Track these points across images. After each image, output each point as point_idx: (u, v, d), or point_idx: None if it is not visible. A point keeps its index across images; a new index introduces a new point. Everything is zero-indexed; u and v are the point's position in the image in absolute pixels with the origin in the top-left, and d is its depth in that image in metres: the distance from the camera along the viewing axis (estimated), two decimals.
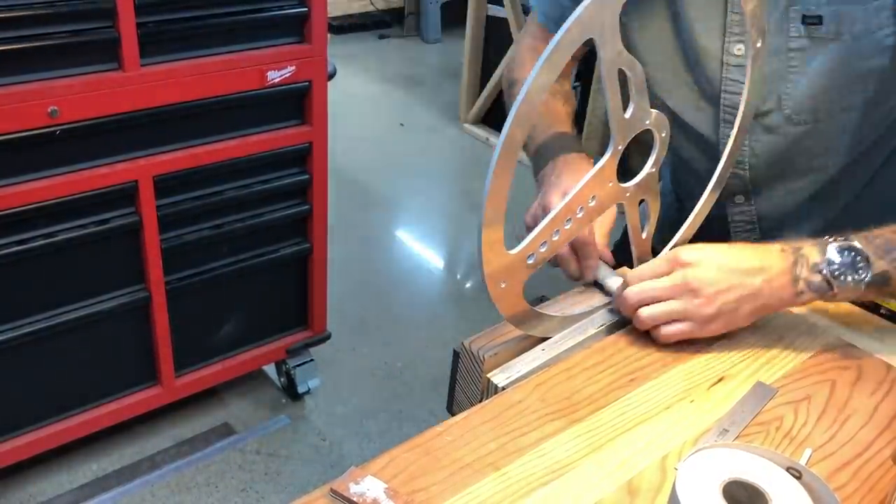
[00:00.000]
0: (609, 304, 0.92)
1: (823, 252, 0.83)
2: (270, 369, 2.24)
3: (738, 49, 0.96)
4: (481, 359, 0.82)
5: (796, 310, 0.95)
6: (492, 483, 0.69)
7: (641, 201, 0.89)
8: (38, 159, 1.51)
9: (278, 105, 1.78)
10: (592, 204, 0.81)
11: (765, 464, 0.64)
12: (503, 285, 0.77)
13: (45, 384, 1.73)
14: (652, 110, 0.82)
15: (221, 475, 1.95)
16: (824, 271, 0.82)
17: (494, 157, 0.69)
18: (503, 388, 0.81)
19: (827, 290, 0.83)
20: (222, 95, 1.67)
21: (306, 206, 1.92)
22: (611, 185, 0.82)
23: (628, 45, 1.01)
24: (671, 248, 0.97)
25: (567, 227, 0.80)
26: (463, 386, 0.84)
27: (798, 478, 0.63)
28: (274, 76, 1.71)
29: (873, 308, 0.96)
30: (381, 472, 0.69)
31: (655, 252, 0.95)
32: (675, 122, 1.01)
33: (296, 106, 1.80)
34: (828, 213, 1.07)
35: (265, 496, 1.91)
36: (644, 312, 0.85)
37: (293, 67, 1.73)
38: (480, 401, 0.81)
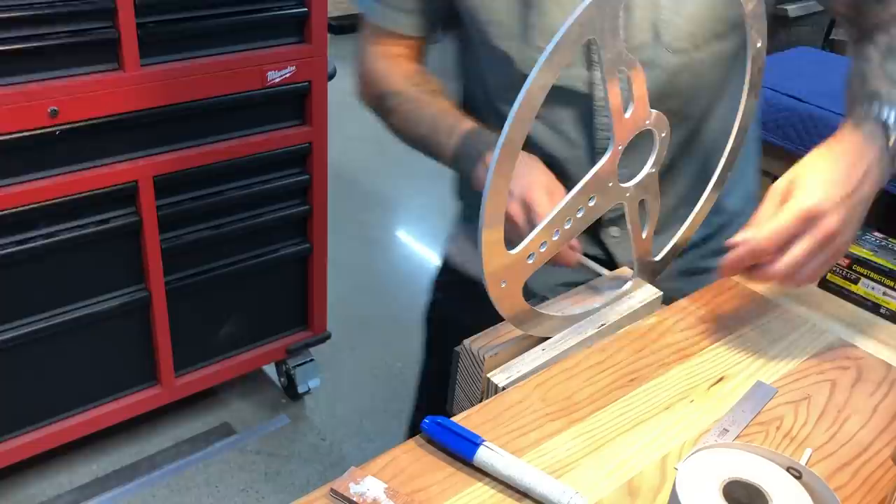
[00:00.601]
0: (609, 303, 0.92)
1: (887, 132, 0.81)
2: (270, 369, 2.24)
3: None
4: (481, 359, 0.82)
5: (796, 310, 0.95)
6: (492, 483, 0.69)
7: (641, 201, 0.89)
8: (38, 159, 1.51)
9: (278, 105, 1.78)
10: (592, 204, 0.81)
11: (765, 464, 0.64)
12: (503, 285, 0.77)
13: (45, 384, 1.73)
14: (652, 110, 0.82)
15: (221, 475, 1.95)
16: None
17: (494, 157, 0.69)
18: (503, 388, 0.81)
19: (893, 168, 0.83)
20: (222, 95, 1.67)
21: (306, 206, 1.92)
22: (610, 185, 0.82)
23: None
24: (671, 247, 0.97)
25: (567, 226, 0.80)
26: (463, 386, 0.84)
27: (798, 478, 0.63)
28: (274, 76, 1.71)
29: (873, 308, 0.96)
30: (381, 472, 0.69)
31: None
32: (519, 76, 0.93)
33: (296, 106, 1.81)
34: (694, 167, 1.05)
35: (265, 496, 1.91)
36: (782, 264, 0.79)
37: (293, 67, 1.73)
38: (480, 401, 0.81)
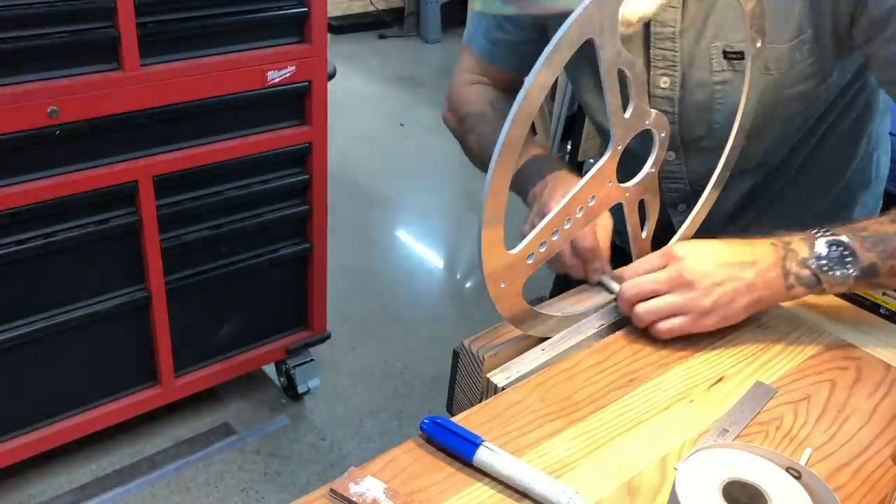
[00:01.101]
0: (609, 303, 0.92)
1: (812, 246, 0.84)
2: (270, 369, 2.24)
3: (664, 82, 0.98)
4: (481, 359, 0.82)
5: (796, 310, 0.95)
6: (492, 483, 0.69)
7: (641, 201, 0.89)
8: (38, 159, 1.51)
9: (278, 105, 1.78)
10: (592, 204, 0.81)
11: (765, 464, 0.64)
12: (503, 285, 0.77)
13: (45, 384, 1.73)
14: (651, 110, 0.82)
15: (221, 475, 1.95)
16: (813, 266, 0.83)
17: (494, 156, 0.69)
18: (503, 388, 0.81)
19: (816, 284, 0.84)
20: (222, 95, 1.67)
21: (306, 206, 1.92)
22: (610, 184, 0.82)
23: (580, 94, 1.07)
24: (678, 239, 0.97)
25: (567, 227, 0.80)
26: (463, 386, 0.84)
27: (798, 478, 0.63)
28: (274, 76, 1.71)
29: (873, 308, 0.96)
30: (381, 472, 0.69)
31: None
32: None
33: (296, 106, 1.80)
34: (763, 195, 1.10)
35: (265, 496, 1.91)
36: (641, 308, 0.85)
37: (293, 67, 1.73)
38: (480, 401, 0.81)
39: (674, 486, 0.62)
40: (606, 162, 0.80)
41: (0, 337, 1.60)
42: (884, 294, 0.96)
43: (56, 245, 1.59)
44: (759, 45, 0.87)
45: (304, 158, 1.86)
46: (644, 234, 0.93)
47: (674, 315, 0.84)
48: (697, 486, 0.61)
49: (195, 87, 1.63)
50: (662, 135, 0.85)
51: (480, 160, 1.11)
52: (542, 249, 0.79)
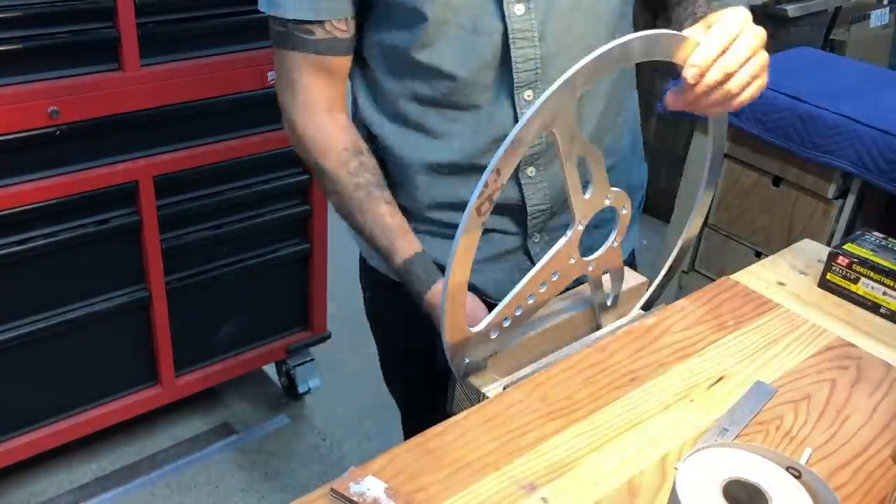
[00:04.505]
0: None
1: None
2: (270, 369, 2.24)
3: (518, 9, 0.88)
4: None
5: (796, 310, 0.95)
6: (492, 483, 0.69)
7: (606, 271, 0.89)
8: (38, 159, 1.51)
9: (278, 105, 1.78)
10: (555, 279, 0.82)
11: (765, 463, 0.64)
12: (467, 361, 0.79)
13: (45, 384, 1.73)
14: (613, 189, 0.83)
15: (221, 475, 1.95)
16: None
17: (460, 228, 0.70)
18: (503, 389, 0.81)
19: None
20: (222, 95, 1.67)
21: (306, 207, 1.92)
22: (573, 260, 0.82)
23: None
24: (684, 240, 0.97)
25: (530, 301, 0.81)
26: (463, 386, 0.84)
27: (798, 477, 0.63)
28: (274, 76, 1.71)
29: (873, 308, 0.96)
30: (381, 472, 0.69)
31: None
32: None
33: None
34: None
35: (265, 496, 1.91)
36: (735, 85, 0.80)
37: None
38: (480, 401, 0.81)
39: (674, 485, 0.62)
40: (569, 241, 0.80)
41: (0, 337, 1.60)
42: (884, 294, 0.96)
43: (56, 245, 1.59)
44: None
45: None
46: (609, 302, 0.93)
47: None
48: (698, 485, 0.61)
49: (195, 87, 1.63)
50: (623, 212, 0.86)
51: (343, 218, 1.00)
52: (507, 324, 0.80)
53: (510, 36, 0.88)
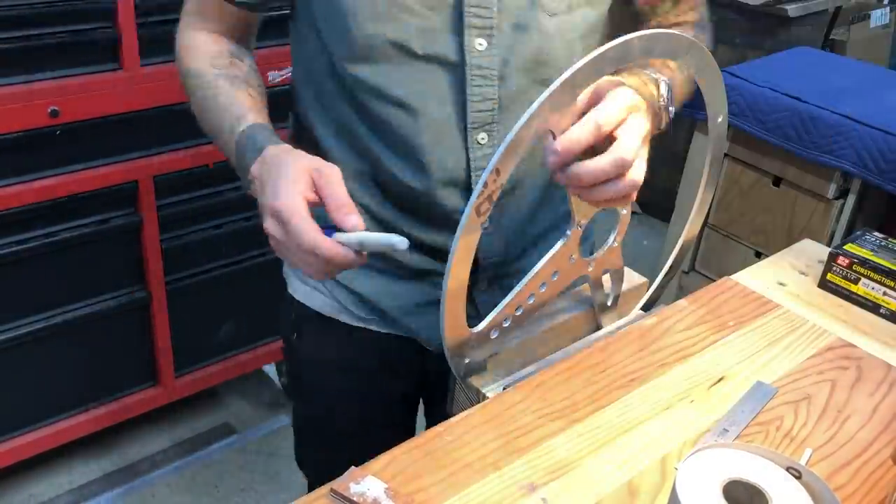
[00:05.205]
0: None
1: (659, 87, 0.80)
2: (270, 369, 2.24)
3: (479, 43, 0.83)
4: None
5: (796, 310, 0.95)
6: (492, 483, 0.69)
7: (606, 272, 0.89)
8: (38, 159, 1.51)
9: (278, 105, 1.77)
10: (555, 279, 0.82)
11: (765, 464, 0.64)
12: (467, 361, 0.79)
13: (45, 384, 1.73)
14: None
15: (221, 475, 1.95)
16: (664, 108, 0.81)
17: (461, 225, 0.69)
18: (503, 389, 0.81)
19: (660, 127, 0.81)
20: None
21: None
22: (573, 260, 0.82)
23: None
24: (684, 240, 0.97)
25: (531, 301, 0.81)
26: (463, 386, 0.84)
27: (798, 478, 0.63)
28: (274, 76, 1.71)
29: (873, 308, 0.96)
30: (381, 472, 0.69)
31: None
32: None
33: None
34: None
35: (265, 496, 1.91)
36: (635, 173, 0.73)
37: None
38: (480, 401, 0.81)
39: (674, 486, 0.62)
40: (568, 241, 0.80)
41: (0, 337, 1.60)
42: (884, 294, 0.96)
43: (56, 245, 1.59)
44: (719, 119, 0.87)
45: None
46: (609, 302, 0.93)
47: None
48: (698, 486, 0.61)
49: None
50: (623, 212, 0.86)
51: (201, 123, 0.92)
52: (507, 324, 0.80)
53: (467, 72, 0.83)
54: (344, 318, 0.99)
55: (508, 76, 0.85)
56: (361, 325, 0.98)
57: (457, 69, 0.83)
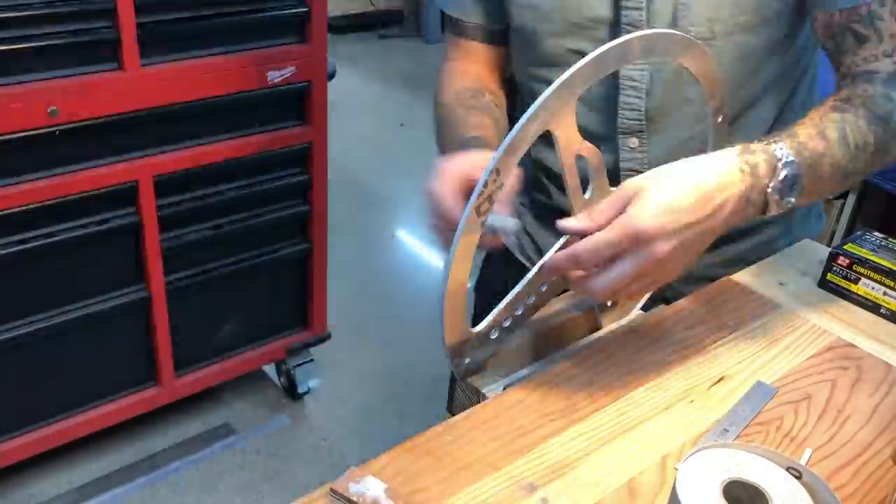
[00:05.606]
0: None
1: (774, 171, 0.76)
2: (270, 369, 2.24)
3: (638, 14, 0.92)
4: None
5: (796, 310, 0.95)
6: (492, 483, 0.69)
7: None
8: (38, 159, 1.51)
9: (278, 105, 1.78)
10: (556, 278, 0.81)
11: (765, 464, 0.64)
12: (467, 361, 0.79)
13: (45, 384, 1.73)
14: (613, 189, 0.82)
15: (221, 475, 1.95)
16: (769, 192, 0.76)
17: (460, 226, 0.69)
18: (503, 389, 0.81)
19: (762, 212, 0.78)
20: (222, 95, 1.67)
21: (306, 206, 1.92)
22: None
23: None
24: None
25: (531, 301, 0.81)
26: (463, 386, 0.84)
27: (798, 478, 0.63)
28: (274, 76, 1.71)
29: (873, 308, 0.96)
30: (381, 472, 0.69)
31: None
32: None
33: (296, 106, 1.80)
34: None
35: (265, 496, 1.91)
36: (598, 286, 0.73)
37: (293, 68, 1.73)
38: (480, 401, 0.81)
39: (674, 486, 0.61)
40: (569, 241, 0.80)
41: (0, 337, 1.60)
42: (884, 294, 0.96)
43: (56, 245, 1.59)
44: (719, 119, 0.87)
45: (304, 158, 1.86)
46: (610, 303, 0.92)
47: (636, 281, 0.73)
48: (698, 486, 0.61)
49: (195, 87, 1.63)
50: None
51: (437, 140, 1.07)
52: (508, 324, 0.80)
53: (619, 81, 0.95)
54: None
55: (652, 94, 0.96)
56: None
57: (613, 77, 0.95)
